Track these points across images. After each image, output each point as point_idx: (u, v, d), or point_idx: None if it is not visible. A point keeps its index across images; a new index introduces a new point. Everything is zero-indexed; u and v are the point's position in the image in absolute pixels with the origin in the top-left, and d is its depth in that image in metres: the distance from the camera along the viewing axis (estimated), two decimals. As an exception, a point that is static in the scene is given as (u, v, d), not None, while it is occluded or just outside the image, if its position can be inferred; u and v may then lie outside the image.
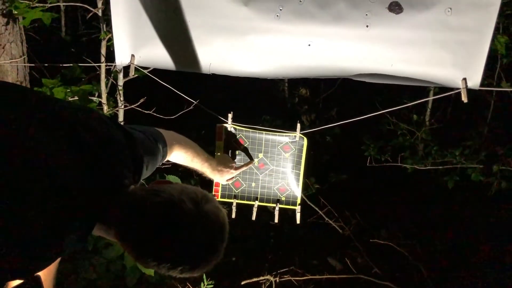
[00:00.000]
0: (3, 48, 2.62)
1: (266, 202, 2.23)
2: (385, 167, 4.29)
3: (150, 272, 2.74)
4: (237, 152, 2.17)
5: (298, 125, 2.12)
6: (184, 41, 1.99)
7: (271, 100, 6.07)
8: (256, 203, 2.22)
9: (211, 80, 2.34)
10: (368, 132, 4.84)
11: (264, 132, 2.14)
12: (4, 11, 2.55)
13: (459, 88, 1.86)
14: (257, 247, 4.01)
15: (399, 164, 4.26)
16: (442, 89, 2.00)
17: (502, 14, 1.74)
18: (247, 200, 2.23)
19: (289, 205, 2.22)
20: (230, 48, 1.98)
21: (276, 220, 2.22)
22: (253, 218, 2.23)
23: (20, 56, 2.73)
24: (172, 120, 2.94)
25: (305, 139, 2.12)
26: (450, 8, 1.75)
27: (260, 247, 4.02)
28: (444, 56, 1.83)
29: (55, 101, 1.33)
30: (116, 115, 2.87)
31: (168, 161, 1.69)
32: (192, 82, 3.20)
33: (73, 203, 1.05)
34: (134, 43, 2.02)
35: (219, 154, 2.15)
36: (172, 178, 2.41)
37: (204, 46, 1.99)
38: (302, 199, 2.22)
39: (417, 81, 1.92)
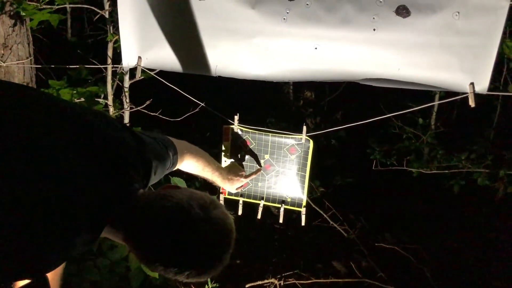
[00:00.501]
0: (10, 49, 2.63)
1: (271, 202, 2.24)
2: (390, 170, 4.28)
3: (155, 274, 2.74)
4: (243, 153, 2.18)
5: (304, 128, 2.11)
6: (190, 43, 1.99)
7: (276, 103, 6.06)
8: (262, 203, 2.23)
9: (216, 82, 2.34)
10: (373, 136, 4.83)
11: (270, 134, 2.14)
12: (12, 13, 2.56)
13: (466, 93, 1.84)
14: (262, 250, 4.00)
15: (405, 168, 4.25)
16: (448, 93, 1.99)
17: (510, 18, 1.73)
18: (253, 199, 2.24)
19: (294, 206, 2.22)
20: (236, 51, 1.98)
21: (281, 220, 2.23)
22: (258, 217, 2.24)
23: (27, 58, 2.74)
24: (178, 122, 2.94)
25: (311, 141, 2.12)
26: (458, 12, 1.74)
27: (264, 250, 4.01)
28: (451, 60, 1.81)
29: (66, 104, 1.34)
30: (122, 117, 2.87)
31: (179, 170, 1.70)
32: (198, 84, 3.20)
33: (83, 206, 1.05)
34: (141, 45, 2.03)
35: (227, 155, 2.16)
36: (178, 180, 2.41)
37: (210, 48, 1.99)
38: (307, 202, 2.22)
39: (424, 85, 1.91)
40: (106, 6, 2.70)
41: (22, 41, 2.69)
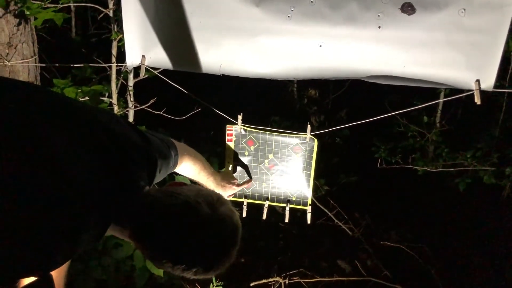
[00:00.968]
0: (15, 48, 2.63)
1: (276, 202, 2.22)
2: (395, 169, 4.26)
3: (160, 272, 2.75)
4: (246, 152, 2.17)
5: (309, 127, 2.10)
6: (194, 42, 1.99)
7: (280, 101, 6.06)
8: (267, 203, 2.22)
9: (220, 81, 2.33)
10: (378, 134, 4.82)
11: (274, 133, 2.13)
12: (16, 12, 2.57)
13: (472, 90, 1.83)
14: (267, 249, 4.00)
15: (410, 166, 4.23)
16: (453, 90, 1.97)
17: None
18: (257, 200, 2.23)
19: (299, 205, 2.21)
20: (240, 49, 1.97)
21: (286, 220, 2.22)
22: (264, 217, 2.23)
23: (32, 56, 2.74)
24: (182, 121, 2.94)
25: (316, 140, 2.11)
26: (464, 9, 1.73)
27: (269, 249, 4.01)
28: (457, 58, 1.80)
29: (72, 102, 1.34)
30: (126, 116, 2.87)
31: (175, 172, 1.70)
32: (202, 83, 3.20)
33: (89, 202, 1.05)
34: (145, 44, 2.02)
35: (230, 155, 2.16)
36: (182, 178, 2.41)
37: (214, 47, 1.98)
38: (312, 200, 2.21)
39: (430, 82, 1.90)
40: (110, 4, 2.70)
41: (27, 40, 2.70)
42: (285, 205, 2.21)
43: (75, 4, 3.49)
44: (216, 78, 2.10)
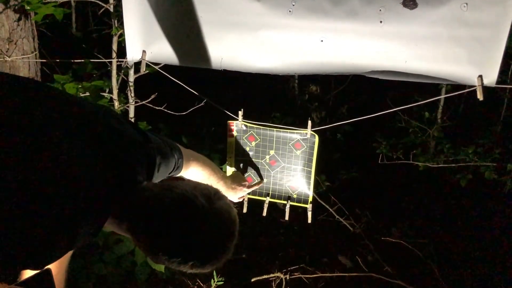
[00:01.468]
0: (15, 43, 2.62)
1: (277, 199, 2.22)
2: (397, 164, 4.25)
3: (161, 268, 2.75)
4: (248, 148, 2.17)
5: (309, 122, 2.10)
6: (195, 37, 1.98)
7: (281, 97, 6.05)
8: (267, 199, 2.21)
9: (221, 77, 2.33)
10: (379, 130, 4.81)
11: (275, 129, 2.13)
12: (17, 7, 2.56)
13: (474, 86, 1.82)
14: (267, 245, 4.00)
15: (411, 161, 4.22)
16: (455, 86, 1.97)
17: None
18: (258, 196, 2.22)
19: (300, 203, 2.21)
20: (241, 44, 1.97)
21: (286, 218, 2.21)
22: (264, 214, 2.22)
23: (32, 52, 2.73)
24: (183, 116, 2.94)
25: (317, 136, 2.11)
26: (466, 4, 1.72)
27: (270, 244, 4.01)
28: (459, 53, 1.79)
29: (70, 97, 1.35)
30: (127, 111, 2.87)
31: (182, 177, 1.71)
32: (203, 78, 3.19)
33: (88, 196, 1.06)
34: (146, 39, 2.02)
35: (231, 151, 2.15)
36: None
37: (215, 42, 1.98)
38: (313, 198, 2.20)
39: (432, 78, 1.89)
40: (111, 0, 2.69)
41: (27, 35, 2.69)
42: (285, 202, 2.21)
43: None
44: (217, 74, 2.09)
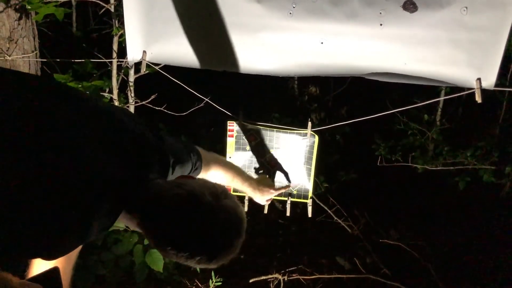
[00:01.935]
0: (16, 43, 2.62)
1: (278, 196, 2.22)
2: (395, 166, 4.26)
3: (159, 268, 2.75)
4: (248, 147, 2.17)
5: (309, 123, 2.11)
6: (195, 37, 1.99)
7: (281, 98, 6.05)
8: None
9: (221, 77, 2.33)
10: (378, 132, 4.81)
11: (275, 129, 2.14)
12: (17, 6, 2.56)
13: (473, 88, 1.83)
14: (266, 245, 4.01)
15: (410, 164, 4.23)
16: (454, 89, 1.98)
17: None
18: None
19: (300, 198, 2.22)
20: (241, 45, 1.98)
21: (288, 214, 2.23)
22: (265, 211, 2.23)
23: (32, 51, 2.73)
24: (183, 117, 2.94)
25: (316, 136, 2.12)
26: (466, 7, 1.73)
27: (268, 245, 4.01)
28: (458, 56, 1.80)
29: (84, 96, 1.43)
30: (126, 111, 2.87)
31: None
32: (203, 79, 3.20)
33: (102, 190, 1.10)
34: (146, 40, 2.02)
35: (231, 152, 2.16)
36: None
37: (215, 43, 1.98)
38: (312, 195, 2.22)
39: (431, 80, 1.90)
40: (112, 0, 2.69)
41: (28, 34, 2.69)
42: (286, 198, 2.21)
43: (76, -1, 3.49)
44: (217, 75, 2.10)
